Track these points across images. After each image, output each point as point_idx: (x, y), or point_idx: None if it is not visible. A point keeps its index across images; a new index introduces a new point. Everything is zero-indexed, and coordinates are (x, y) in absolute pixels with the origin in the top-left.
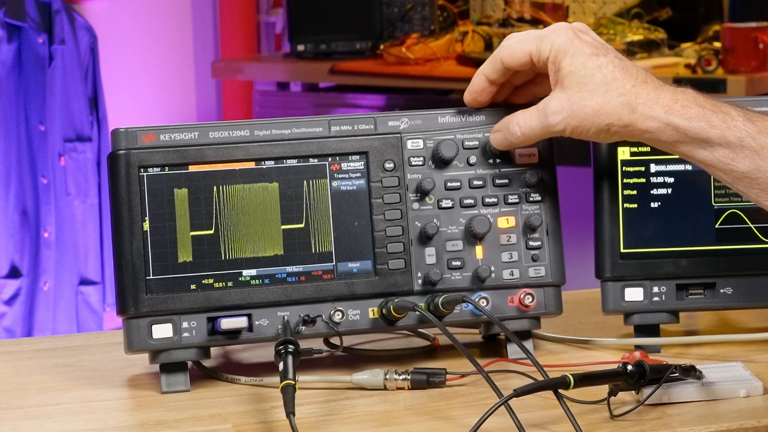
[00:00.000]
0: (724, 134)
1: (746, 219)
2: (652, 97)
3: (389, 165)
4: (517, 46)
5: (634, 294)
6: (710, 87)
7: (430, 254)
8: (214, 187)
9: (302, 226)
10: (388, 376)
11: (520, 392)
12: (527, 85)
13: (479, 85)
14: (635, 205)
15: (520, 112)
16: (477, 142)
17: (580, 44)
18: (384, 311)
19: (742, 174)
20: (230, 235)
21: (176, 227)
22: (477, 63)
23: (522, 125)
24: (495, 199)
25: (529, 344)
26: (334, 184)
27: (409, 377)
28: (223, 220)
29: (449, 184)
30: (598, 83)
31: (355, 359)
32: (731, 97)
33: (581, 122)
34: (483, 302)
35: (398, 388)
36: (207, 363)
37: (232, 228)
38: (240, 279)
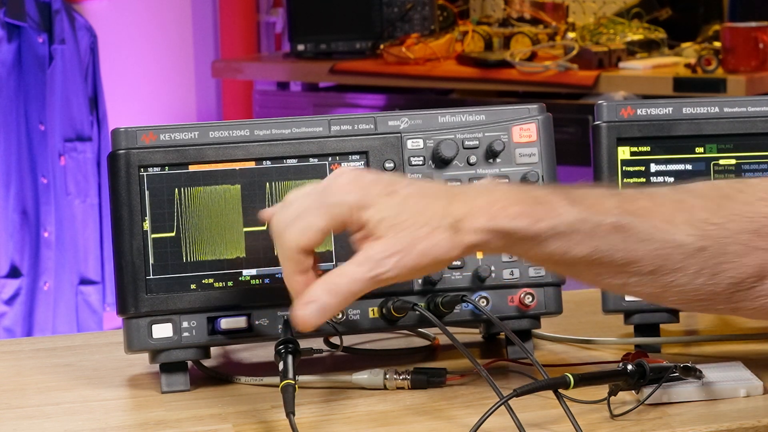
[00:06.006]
0: (553, 225)
1: None
2: (468, 209)
3: (389, 165)
4: (308, 227)
5: None
6: (710, 87)
7: None
8: (214, 187)
9: None
10: (388, 376)
11: (520, 392)
12: None
13: (298, 288)
14: None
15: (325, 277)
16: (477, 142)
17: (368, 189)
18: (384, 311)
19: (578, 259)
20: (230, 234)
21: (176, 227)
22: (477, 63)
23: (346, 281)
24: None
25: (529, 344)
26: None
27: (409, 377)
28: (224, 220)
29: (449, 184)
30: (412, 216)
31: (355, 359)
32: (729, 97)
33: (417, 259)
34: (483, 302)
35: (398, 388)
36: (207, 363)
37: (233, 227)
38: (240, 279)
